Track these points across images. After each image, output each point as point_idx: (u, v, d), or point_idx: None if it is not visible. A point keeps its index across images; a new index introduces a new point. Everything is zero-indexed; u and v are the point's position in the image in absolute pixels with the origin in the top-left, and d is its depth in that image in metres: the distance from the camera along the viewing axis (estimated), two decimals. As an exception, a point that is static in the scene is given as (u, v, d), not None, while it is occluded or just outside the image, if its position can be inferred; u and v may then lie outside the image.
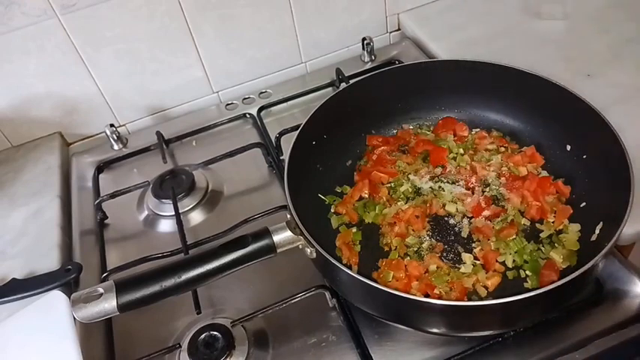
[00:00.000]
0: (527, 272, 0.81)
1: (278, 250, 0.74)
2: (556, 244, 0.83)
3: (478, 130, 1.02)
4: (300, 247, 0.75)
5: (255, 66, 1.28)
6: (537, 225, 0.87)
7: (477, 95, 1.01)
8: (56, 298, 0.82)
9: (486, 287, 0.80)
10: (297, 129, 0.90)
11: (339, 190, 0.96)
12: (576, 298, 0.78)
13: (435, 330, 0.75)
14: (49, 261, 0.95)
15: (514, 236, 0.84)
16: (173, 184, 1.05)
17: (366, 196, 0.94)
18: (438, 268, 0.82)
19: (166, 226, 1.02)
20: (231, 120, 1.21)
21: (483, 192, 0.92)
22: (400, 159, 0.98)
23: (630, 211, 0.71)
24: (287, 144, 0.92)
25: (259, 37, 1.23)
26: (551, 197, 0.89)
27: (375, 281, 0.78)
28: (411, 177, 0.95)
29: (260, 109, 1.21)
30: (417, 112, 1.05)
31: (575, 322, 0.78)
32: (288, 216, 0.77)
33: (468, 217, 0.89)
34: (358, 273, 0.75)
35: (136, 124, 1.27)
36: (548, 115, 0.94)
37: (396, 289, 0.71)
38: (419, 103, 1.04)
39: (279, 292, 0.84)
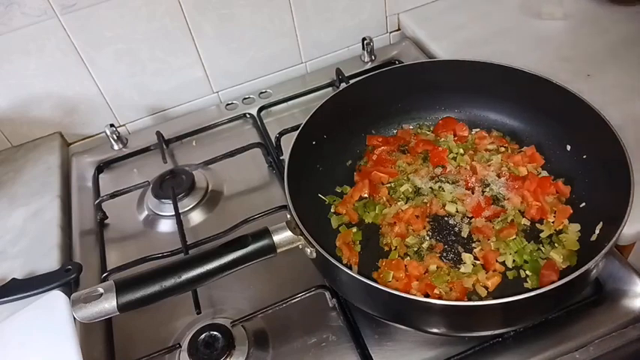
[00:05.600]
0: (527, 272, 0.81)
1: (278, 250, 0.73)
2: (556, 244, 0.83)
3: (478, 130, 1.02)
4: (300, 247, 0.75)
5: (255, 66, 1.28)
6: (537, 225, 0.87)
7: (477, 95, 1.01)
8: (56, 298, 0.82)
9: (486, 287, 0.80)
10: (297, 129, 0.90)
11: (339, 190, 0.96)
12: (576, 298, 0.78)
13: (435, 330, 0.75)
14: (49, 261, 0.95)
15: (514, 236, 0.84)
16: (173, 184, 1.05)
17: (366, 196, 0.94)
18: (438, 268, 0.82)
19: (166, 226, 1.03)
20: (231, 120, 1.21)
21: (483, 192, 0.92)
22: (400, 159, 0.98)
23: (630, 211, 0.71)
24: (287, 144, 0.92)
25: (259, 37, 1.23)
26: (551, 197, 0.89)
27: (375, 281, 0.78)
28: (411, 177, 0.95)
29: (260, 109, 1.21)
30: (417, 112, 1.05)
31: (575, 322, 0.78)
32: (288, 216, 0.77)
33: (468, 217, 0.89)
34: (358, 273, 0.75)
35: (136, 124, 1.27)
36: (548, 115, 0.94)
37: (396, 289, 0.71)
38: (419, 103, 1.04)
39: (279, 292, 0.84)
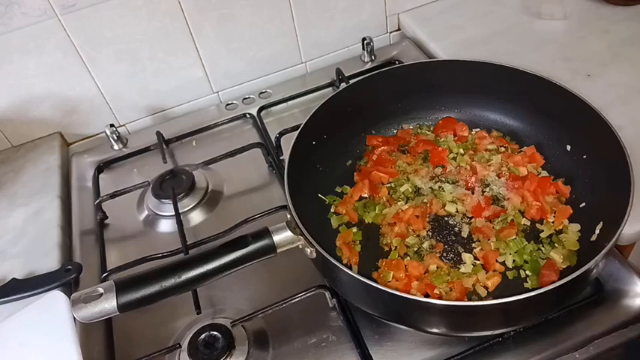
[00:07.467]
0: (527, 272, 0.81)
1: (278, 250, 0.74)
2: (556, 244, 0.83)
3: (478, 130, 1.02)
4: (300, 247, 0.75)
5: (255, 66, 1.28)
6: (537, 225, 0.87)
7: (477, 95, 1.01)
8: (56, 298, 0.82)
9: (486, 287, 0.80)
10: (297, 129, 0.90)
11: (339, 190, 0.96)
12: (576, 298, 0.78)
13: (435, 330, 0.75)
14: (49, 261, 0.95)
15: (514, 236, 0.84)
16: (173, 184, 1.05)
17: (366, 196, 0.94)
18: (438, 268, 0.82)
19: (166, 226, 1.03)
20: (231, 120, 1.21)
21: (483, 192, 0.92)
22: (400, 159, 0.98)
23: (630, 211, 0.71)
24: (287, 144, 0.92)
25: (259, 37, 1.23)
26: (551, 197, 0.89)
27: (375, 281, 0.78)
28: (411, 177, 0.95)
29: (260, 109, 1.21)
30: (417, 112, 1.05)
31: (575, 322, 0.78)
32: (288, 216, 0.77)
33: (468, 217, 0.89)
34: (358, 273, 0.75)
35: (136, 124, 1.27)
36: (548, 115, 0.94)
37: (396, 289, 0.71)
38: (419, 103, 1.04)
39: (279, 292, 0.84)
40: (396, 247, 0.86)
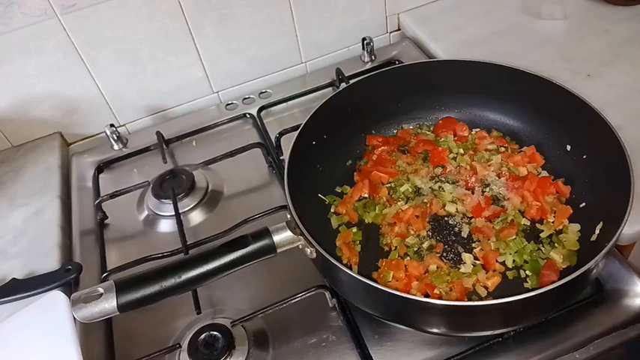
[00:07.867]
0: (527, 272, 0.81)
1: (278, 250, 0.74)
2: (556, 244, 0.83)
3: (478, 130, 1.02)
4: (300, 247, 0.75)
5: (255, 66, 1.28)
6: (537, 225, 0.87)
7: (477, 95, 1.01)
8: (56, 298, 0.82)
9: (486, 287, 0.80)
10: (297, 129, 0.90)
11: (339, 190, 0.96)
12: (576, 298, 0.78)
13: (435, 330, 0.75)
14: (49, 261, 0.95)
15: (514, 236, 0.84)
16: (173, 184, 1.05)
17: (366, 196, 0.94)
18: (438, 268, 0.82)
19: (166, 226, 1.03)
20: (231, 120, 1.22)
21: (483, 192, 0.92)
22: (400, 159, 0.98)
23: (630, 211, 0.71)
24: (287, 144, 0.92)
25: (259, 37, 1.23)
26: (551, 197, 0.89)
27: (375, 281, 0.78)
28: (411, 177, 0.95)
29: (260, 109, 1.21)
30: (417, 112, 1.05)
31: (575, 322, 0.78)
32: (288, 216, 0.77)
33: (468, 217, 0.89)
34: (358, 273, 0.75)
35: (136, 124, 1.27)
36: (548, 115, 0.94)
37: (396, 289, 0.71)
38: (419, 103, 1.04)
39: (279, 292, 0.84)
40: (396, 247, 0.86)
